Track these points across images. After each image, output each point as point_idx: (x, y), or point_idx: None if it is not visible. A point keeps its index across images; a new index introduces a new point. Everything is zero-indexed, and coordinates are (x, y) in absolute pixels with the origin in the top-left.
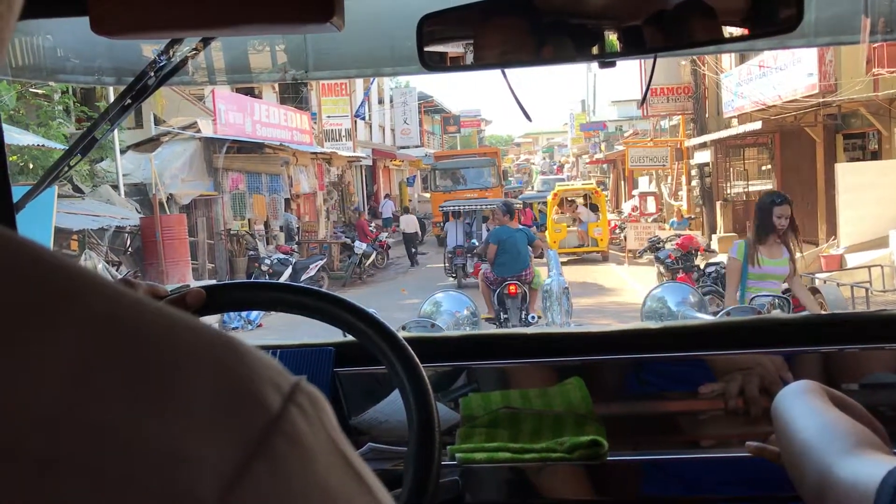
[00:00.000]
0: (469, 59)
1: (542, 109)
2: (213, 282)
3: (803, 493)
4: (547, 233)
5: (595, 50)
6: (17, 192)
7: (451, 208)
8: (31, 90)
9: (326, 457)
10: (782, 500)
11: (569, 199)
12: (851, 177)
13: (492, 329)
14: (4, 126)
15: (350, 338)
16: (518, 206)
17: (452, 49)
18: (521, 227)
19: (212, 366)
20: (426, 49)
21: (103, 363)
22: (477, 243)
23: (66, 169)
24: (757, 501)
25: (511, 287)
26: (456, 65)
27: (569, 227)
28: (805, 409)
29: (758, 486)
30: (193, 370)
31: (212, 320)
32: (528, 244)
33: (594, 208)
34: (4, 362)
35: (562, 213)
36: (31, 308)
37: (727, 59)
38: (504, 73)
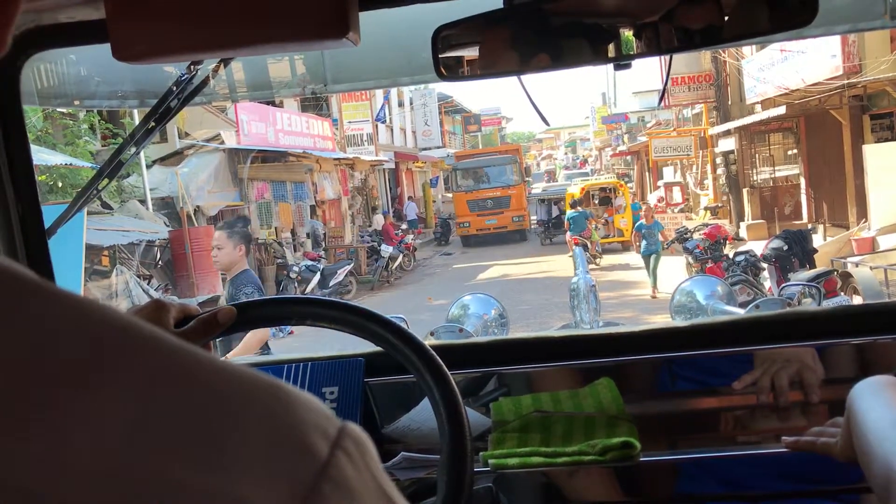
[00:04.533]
0: (485, 67)
1: (562, 104)
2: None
3: (872, 484)
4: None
5: (610, 52)
6: (48, 212)
7: (541, 196)
8: (57, 110)
9: (372, 499)
10: (818, 494)
11: (594, 192)
12: (880, 158)
13: (519, 334)
14: (33, 147)
15: (380, 348)
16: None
17: (468, 58)
18: (581, 209)
19: (262, 415)
20: (441, 59)
21: (159, 418)
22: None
23: (95, 193)
24: (793, 496)
25: (575, 240)
26: (472, 73)
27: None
28: (880, 403)
29: (794, 481)
30: (245, 421)
31: None
32: (585, 219)
33: (576, 203)
34: (65, 419)
35: (587, 207)
36: (88, 366)
37: (748, 46)
38: (520, 80)
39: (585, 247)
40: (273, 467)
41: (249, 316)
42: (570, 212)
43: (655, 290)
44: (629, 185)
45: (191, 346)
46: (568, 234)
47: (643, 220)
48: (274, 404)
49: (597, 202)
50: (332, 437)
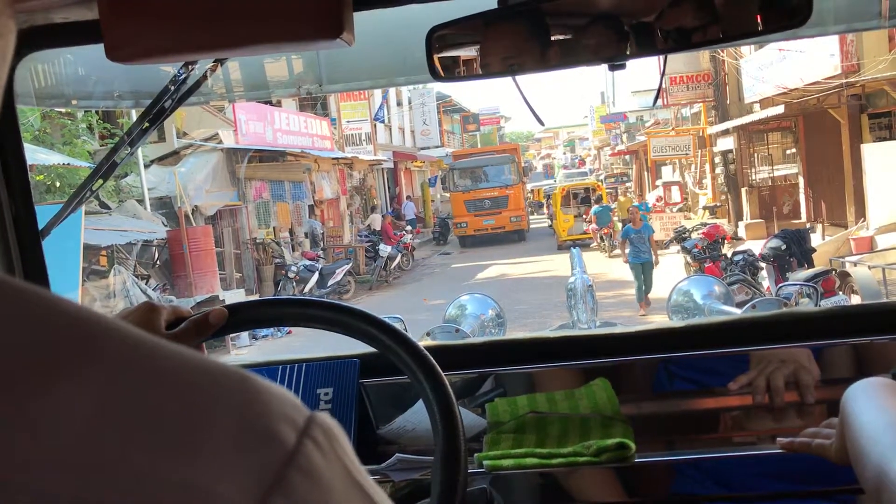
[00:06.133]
0: (480, 67)
1: (561, 103)
2: (242, 292)
3: (864, 487)
4: (556, 222)
5: (605, 52)
6: (44, 211)
7: (548, 192)
8: (55, 110)
9: (342, 487)
10: (814, 495)
11: (576, 192)
12: (879, 157)
13: (516, 334)
14: (31, 147)
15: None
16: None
17: (463, 58)
18: (605, 205)
19: (228, 405)
20: (436, 59)
21: (124, 409)
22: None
23: (89, 193)
24: (789, 497)
25: (604, 230)
26: (467, 73)
27: (575, 216)
28: (873, 405)
29: (790, 481)
30: (210, 411)
31: None
32: (608, 212)
33: (598, 199)
34: (29, 410)
35: (568, 206)
36: (53, 357)
37: (745, 45)
38: (515, 80)
39: (610, 235)
40: (239, 457)
41: (241, 317)
42: (595, 207)
43: (644, 307)
44: (628, 184)
45: (156, 338)
46: (593, 225)
47: (630, 224)
48: (240, 394)
49: (579, 201)
50: (299, 426)
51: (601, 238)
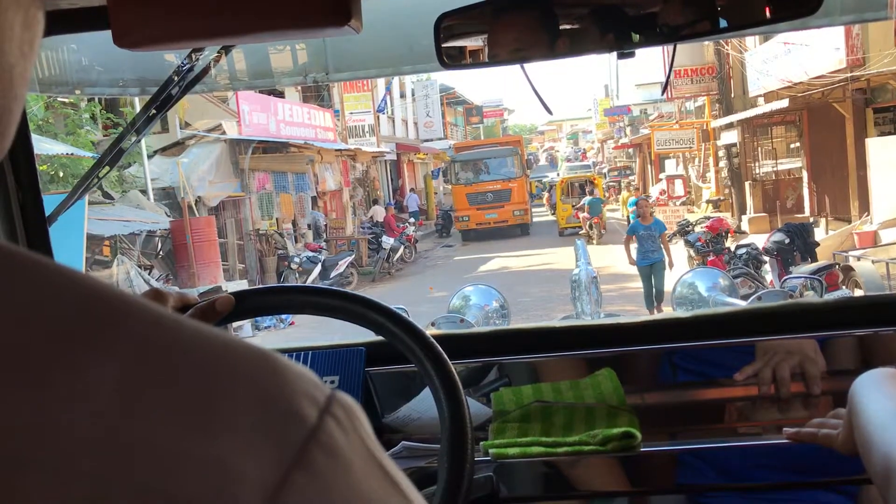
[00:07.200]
0: (487, 55)
1: (565, 96)
2: (245, 283)
3: (871, 475)
4: (557, 212)
5: (614, 40)
6: (49, 201)
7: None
8: (58, 100)
9: (362, 465)
10: (818, 486)
11: (575, 184)
12: (883, 151)
13: (521, 324)
14: (35, 137)
15: (381, 337)
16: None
17: (471, 46)
18: (596, 197)
19: (250, 382)
20: (444, 47)
21: (147, 385)
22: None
23: (96, 180)
24: (793, 487)
25: (595, 220)
26: (475, 61)
27: (573, 206)
28: (882, 394)
29: (794, 472)
30: (232, 388)
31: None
32: (600, 204)
33: (592, 191)
34: (53, 387)
35: (568, 196)
36: (76, 334)
37: (751, 38)
38: (523, 68)
39: (598, 225)
40: (261, 434)
41: (248, 305)
42: (587, 198)
43: (660, 307)
44: (631, 177)
45: (176, 314)
46: (584, 214)
47: (639, 220)
48: (262, 371)
49: (578, 193)
50: (321, 403)
51: (590, 226)
